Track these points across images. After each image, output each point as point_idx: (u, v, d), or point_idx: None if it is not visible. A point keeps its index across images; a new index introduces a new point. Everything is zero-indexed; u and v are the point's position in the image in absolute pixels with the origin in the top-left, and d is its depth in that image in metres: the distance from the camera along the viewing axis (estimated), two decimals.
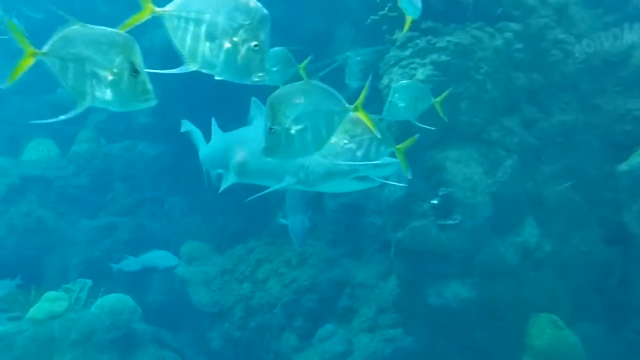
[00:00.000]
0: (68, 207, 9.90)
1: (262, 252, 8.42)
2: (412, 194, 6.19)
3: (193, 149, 6.68)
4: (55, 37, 3.07)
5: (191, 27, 3.18)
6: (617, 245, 6.47)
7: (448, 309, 6.25)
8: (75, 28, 3.04)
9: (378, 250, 7.48)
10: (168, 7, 3.17)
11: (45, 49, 3.07)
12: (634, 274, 6.44)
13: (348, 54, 8.07)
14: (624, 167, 6.08)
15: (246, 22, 3.17)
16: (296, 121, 3.37)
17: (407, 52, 6.20)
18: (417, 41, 6.19)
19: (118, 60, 3.01)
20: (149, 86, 3.07)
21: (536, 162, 6.45)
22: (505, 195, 6.18)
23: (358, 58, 7.85)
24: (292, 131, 3.37)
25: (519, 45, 6.31)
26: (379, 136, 3.95)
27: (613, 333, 6.48)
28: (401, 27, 6.33)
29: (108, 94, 3.07)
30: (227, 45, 3.17)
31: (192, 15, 3.17)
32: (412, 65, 6.11)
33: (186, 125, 6.68)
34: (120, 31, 3.04)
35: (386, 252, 6.94)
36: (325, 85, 3.41)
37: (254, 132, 5.33)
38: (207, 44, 3.18)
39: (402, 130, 6.21)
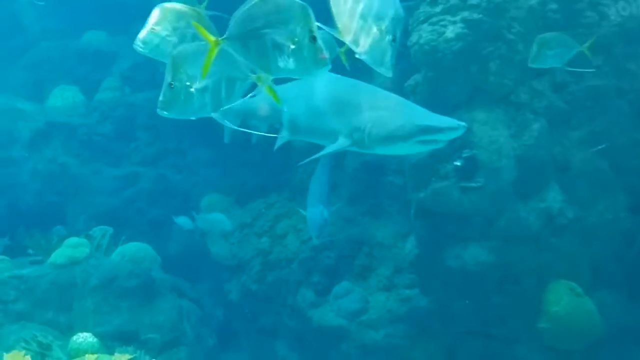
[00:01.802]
0: (91, 155, 9.93)
1: (281, 207, 8.42)
2: (435, 155, 6.11)
3: None
4: (234, 19, 3.13)
5: (350, 2, 3.31)
6: None
7: (466, 272, 6.23)
8: (253, 4, 3.09)
9: (398, 210, 7.43)
10: None
11: (227, 34, 3.13)
12: None
13: None
14: None
15: (393, 15, 3.30)
16: (197, 80, 3.35)
17: (438, 9, 6.04)
18: None
19: (298, 28, 3.05)
20: (325, 51, 3.14)
21: (564, 126, 6.32)
22: (530, 160, 6.09)
23: None
24: (192, 90, 3.38)
25: (554, 6, 6.12)
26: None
27: (632, 302, 6.43)
28: None
29: (291, 63, 3.12)
30: (375, 30, 3.28)
31: None
32: (442, 23, 5.97)
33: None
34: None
35: (406, 212, 6.90)
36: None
37: (306, 87, 5.00)
38: (360, 22, 3.29)
39: (429, 90, 6.14)
